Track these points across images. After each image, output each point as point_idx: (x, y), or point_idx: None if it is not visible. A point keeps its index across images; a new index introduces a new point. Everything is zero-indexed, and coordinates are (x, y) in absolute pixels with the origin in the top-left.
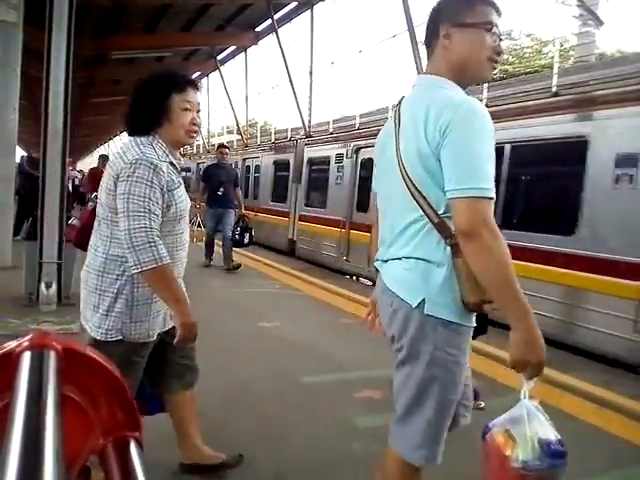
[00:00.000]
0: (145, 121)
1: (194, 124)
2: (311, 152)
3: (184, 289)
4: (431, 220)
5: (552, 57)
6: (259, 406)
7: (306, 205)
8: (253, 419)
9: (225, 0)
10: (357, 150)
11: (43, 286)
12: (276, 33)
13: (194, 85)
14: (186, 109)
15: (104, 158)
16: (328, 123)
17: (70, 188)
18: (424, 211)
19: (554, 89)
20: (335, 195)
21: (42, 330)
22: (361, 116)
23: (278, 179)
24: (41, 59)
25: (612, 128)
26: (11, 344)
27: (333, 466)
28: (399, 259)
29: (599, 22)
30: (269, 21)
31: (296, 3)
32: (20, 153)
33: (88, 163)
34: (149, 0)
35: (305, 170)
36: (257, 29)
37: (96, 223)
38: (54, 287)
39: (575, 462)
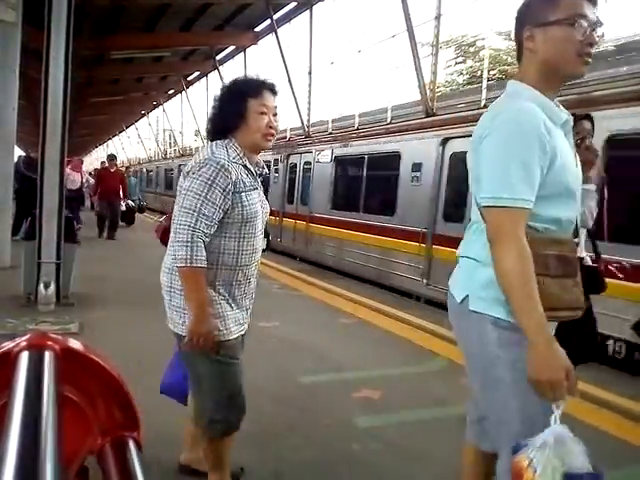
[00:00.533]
0: (222, 126)
1: (270, 127)
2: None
3: (252, 292)
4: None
5: None
6: (258, 406)
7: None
8: (252, 419)
9: (224, 0)
10: (288, 156)
11: (42, 286)
12: (275, 33)
13: (270, 89)
14: (262, 113)
15: (112, 158)
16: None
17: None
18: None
19: None
20: (274, 191)
21: (40, 330)
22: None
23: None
24: (40, 59)
25: (410, 147)
26: (9, 344)
27: (332, 465)
28: (458, 258)
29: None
30: (268, 21)
31: (295, 3)
32: (19, 153)
33: (87, 163)
34: (148, 0)
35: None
36: (256, 29)
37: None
38: (52, 287)
39: None
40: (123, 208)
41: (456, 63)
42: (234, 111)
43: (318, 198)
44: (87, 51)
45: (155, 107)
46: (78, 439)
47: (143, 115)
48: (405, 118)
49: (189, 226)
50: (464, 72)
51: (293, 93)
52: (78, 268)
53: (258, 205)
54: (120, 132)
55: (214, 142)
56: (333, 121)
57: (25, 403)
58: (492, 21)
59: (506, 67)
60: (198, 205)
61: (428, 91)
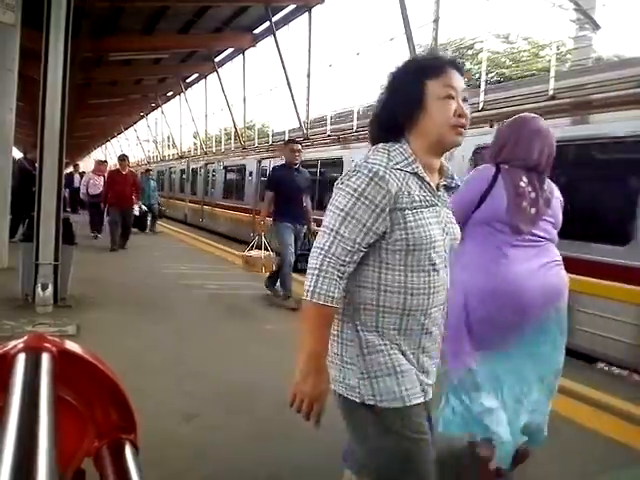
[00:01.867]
0: (392, 121)
1: (460, 115)
2: (192, 164)
3: (434, 349)
4: None
5: (549, 60)
6: (257, 408)
7: (191, 194)
8: (250, 421)
9: (223, 2)
10: (206, 165)
11: (39, 287)
12: (274, 35)
13: (455, 65)
14: (448, 97)
15: (123, 158)
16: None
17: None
18: None
19: (551, 92)
20: (200, 188)
21: (37, 332)
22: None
23: (181, 179)
24: (39, 60)
25: (356, 152)
26: (6, 346)
27: (330, 469)
28: None
29: (596, 26)
30: (267, 23)
31: (294, 6)
32: (17, 154)
33: (86, 165)
34: (147, 2)
35: (190, 174)
36: (255, 31)
37: None
38: (50, 288)
39: (571, 465)
40: (136, 213)
41: None
42: (408, 98)
43: None
44: (86, 53)
45: (154, 109)
46: (75, 441)
47: (142, 117)
48: None
49: (322, 249)
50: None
51: (292, 95)
52: (76, 270)
53: (434, 228)
54: (119, 134)
55: (377, 146)
56: (332, 123)
57: (22, 405)
58: (490, 24)
59: (504, 70)
60: (337, 224)
61: None
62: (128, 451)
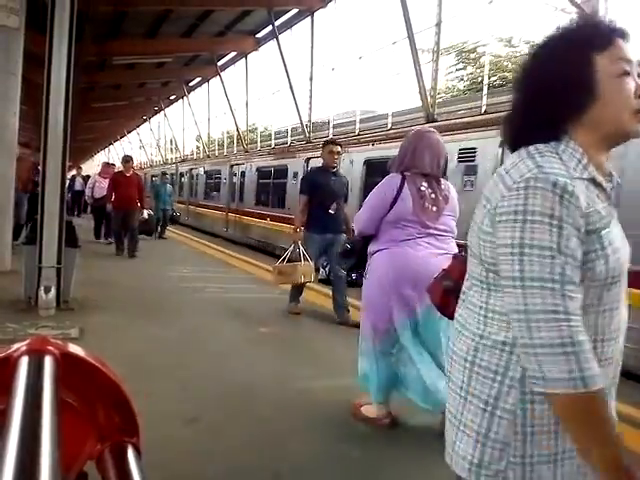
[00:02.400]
0: (546, 116)
1: None
2: (180, 168)
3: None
4: None
5: None
6: (257, 410)
7: (179, 195)
8: (250, 423)
9: (226, 6)
10: (190, 169)
11: (42, 290)
12: (277, 39)
13: (621, 32)
14: (623, 74)
15: (127, 159)
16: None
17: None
18: None
19: None
20: (186, 189)
21: (40, 335)
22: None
23: (171, 181)
24: (42, 64)
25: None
26: (9, 348)
27: (331, 470)
28: None
29: None
30: (270, 27)
31: (297, 10)
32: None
33: (88, 168)
34: (150, 6)
35: (178, 177)
36: (258, 35)
37: (466, 282)
38: (53, 291)
39: None
40: (146, 216)
41: (457, 69)
42: (573, 80)
43: None
44: (89, 56)
45: (157, 112)
46: (77, 444)
47: (145, 120)
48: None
49: (557, 312)
50: (465, 78)
51: (294, 98)
52: (79, 272)
53: (623, 249)
54: (122, 137)
55: (529, 148)
56: (334, 126)
57: (24, 408)
58: (493, 28)
59: (507, 74)
60: (555, 268)
61: (429, 97)
62: (130, 454)
